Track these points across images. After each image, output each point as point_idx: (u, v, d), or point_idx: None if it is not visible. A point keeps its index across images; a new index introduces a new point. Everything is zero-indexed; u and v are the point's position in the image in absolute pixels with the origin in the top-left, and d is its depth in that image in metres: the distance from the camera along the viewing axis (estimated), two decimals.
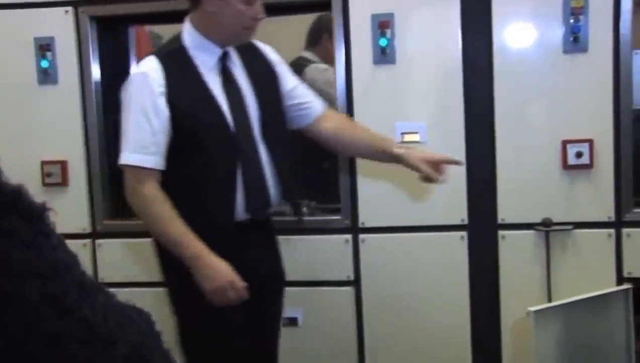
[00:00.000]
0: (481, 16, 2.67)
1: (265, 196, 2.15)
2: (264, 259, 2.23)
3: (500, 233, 2.73)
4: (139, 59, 3.26)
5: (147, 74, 2.03)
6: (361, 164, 2.77)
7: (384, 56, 2.71)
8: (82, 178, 2.97)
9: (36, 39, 2.91)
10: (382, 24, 2.70)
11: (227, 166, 2.07)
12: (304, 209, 2.75)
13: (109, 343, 0.77)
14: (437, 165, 2.15)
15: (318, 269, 2.83)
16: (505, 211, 2.71)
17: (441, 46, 2.71)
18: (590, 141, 2.62)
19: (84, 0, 2.90)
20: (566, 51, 2.62)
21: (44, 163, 2.95)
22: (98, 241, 2.99)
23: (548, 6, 2.63)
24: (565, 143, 2.63)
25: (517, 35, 2.66)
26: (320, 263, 2.82)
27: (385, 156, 2.22)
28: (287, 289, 2.42)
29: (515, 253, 2.72)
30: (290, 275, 2.45)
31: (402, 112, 2.74)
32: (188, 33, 2.12)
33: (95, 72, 2.96)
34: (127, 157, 2.04)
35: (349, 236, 2.80)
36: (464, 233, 2.75)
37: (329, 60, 2.97)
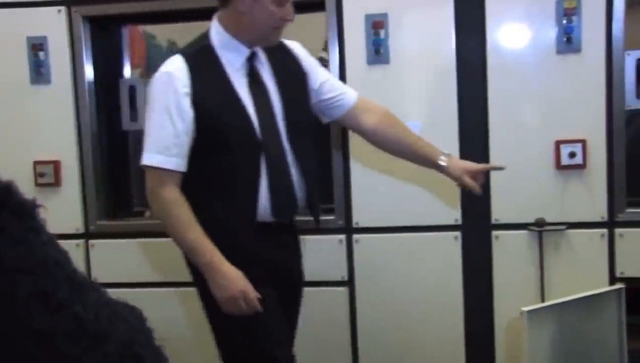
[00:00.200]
0: (475, 16, 2.67)
1: (292, 201, 2.11)
2: (287, 259, 2.19)
3: (494, 233, 2.73)
4: (133, 59, 3.27)
5: (172, 74, 1.98)
6: (355, 164, 2.78)
7: (377, 56, 2.71)
8: (75, 178, 2.96)
9: (29, 38, 2.90)
10: (376, 24, 2.70)
11: (252, 168, 2.03)
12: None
13: (100, 340, 0.77)
14: (477, 174, 2.19)
15: (312, 269, 2.81)
16: (499, 211, 2.72)
17: (435, 46, 2.71)
18: (583, 142, 2.62)
19: (76, 0, 2.90)
20: (559, 52, 2.63)
21: (36, 163, 2.94)
22: (91, 242, 2.98)
23: (541, 7, 2.63)
24: (558, 143, 2.64)
25: (510, 35, 2.66)
26: (314, 264, 2.81)
27: (427, 162, 2.23)
28: None
29: (509, 253, 2.73)
30: None
31: (396, 112, 2.71)
32: (216, 32, 2.07)
33: (88, 72, 2.95)
34: (149, 158, 2.00)
35: (342, 236, 2.80)
36: (458, 233, 2.75)
37: None
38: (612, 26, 2.58)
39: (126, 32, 3.22)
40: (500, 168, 2.31)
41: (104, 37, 3.08)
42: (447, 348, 2.79)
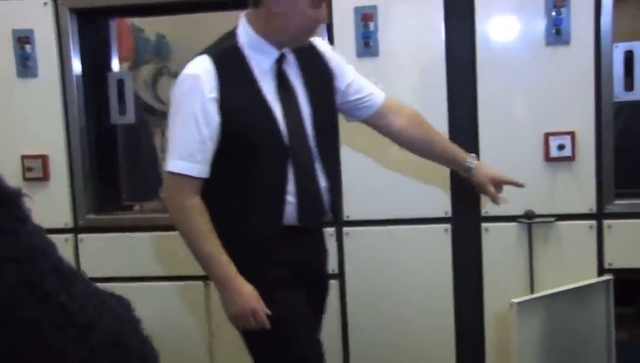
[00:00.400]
0: (464, 8, 2.67)
1: (320, 207, 2.07)
2: (312, 258, 2.14)
3: (484, 225, 2.74)
4: (121, 52, 3.25)
5: (199, 77, 1.91)
6: (345, 157, 2.77)
7: (367, 48, 2.71)
8: (64, 173, 2.94)
9: (14, 31, 2.87)
10: (365, 17, 2.70)
11: (278, 174, 1.97)
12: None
13: (86, 330, 0.76)
14: (499, 183, 2.20)
15: None
16: (489, 204, 2.72)
17: (424, 38, 2.71)
18: (572, 134, 2.63)
19: None
20: (548, 43, 2.63)
21: (24, 157, 2.92)
22: (80, 236, 2.97)
23: None
24: (547, 136, 2.64)
25: (500, 27, 2.67)
26: None
27: (454, 164, 2.24)
28: None
29: (499, 245, 2.74)
30: None
31: None
32: (244, 31, 1.98)
33: (76, 65, 2.93)
34: (173, 164, 1.93)
35: (333, 229, 2.80)
36: (448, 226, 2.76)
37: None
38: (601, 18, 2.59)
39: (114, 25, 3.20)
40: (521, 186, 2.27)
41: (92, 30, 3.05)
42: (438, 339, 2.80)
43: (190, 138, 1.91)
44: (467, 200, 2.73)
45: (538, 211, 2.68)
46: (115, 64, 3.19)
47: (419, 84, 2.74)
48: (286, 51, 2.02)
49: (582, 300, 2.62)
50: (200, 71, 1.92)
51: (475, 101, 2.69)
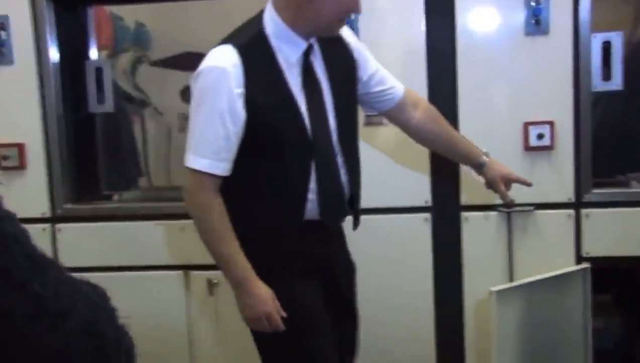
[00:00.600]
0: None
1: (342, 204, 2.04)
2: (329, 251, 2.10)
3: (463, 214, 2.75)
4: (100, 40, 3.21)
5: (226, 70, 1.81)
6: None
7: None
8: (41, 161, 2.90)
9: None
10: None
11: (301, 170, 1.93)
12: None
13: (61, 318, 0.75)
14: (509, 181, 2.21)
15: None
16: (468, 193, 2.74)
17: (405, 29, 2.71)
18: (551, 123, 2.65)
19: None
20: (528, 33, 2.64)
21: (0, 146, 2.88)
22: (58, 226, 2.93)
23: None
24: (527, 125, 2.66)
25: (480, 17, 2.67)
26: None
27: (467, 160, 2.24)
28: None
29: (478, 234, 2.75)
30: None
31: None
32: (271, 19, 1.89)
33: (53, 53, 2.89)
34: (196, 161, 1.86)
35: None
36: (428, 215, 2.77)
37: None
38: (579, 9, 2.60)
39: (92, 12, 3.16)
40: (529, 185, 2.29)
41: (70, 18, 3.01)
42: (417, 328, 2.81)
43: (215, 135, 1.84)
44: (447, 189, 2.75)
45: (517, 200, 2.69)
46: (94, 53, 3.16)
47: (400, 76, 2.69)
48: (313, 41, 1.95)
49: (561, 288, 2.64)
50: (227, 64, 1.82)
51: (455, 91, 2.69)
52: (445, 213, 2.77)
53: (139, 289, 2.89)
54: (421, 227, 2.77)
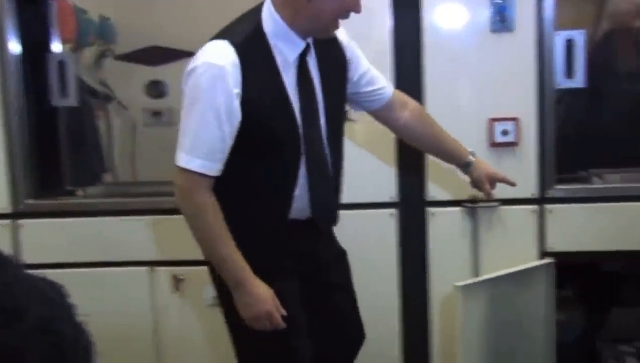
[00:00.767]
0: None
1: (332, 201, 2.05)
2: (317, 247, 2.10)
3: (429, 210, 2.77)
4: (63, 33, 3.15)
5: (223, 69, 1.77)
6: None
7: None
8: (2, 156, 2.84)
9: None
10: None
11: (290, 170, 1.93)
12: None
13: (17, 316, 0.73)
14: (494, 181, 2.23)
15: None
16: (434, 189, 2.75)
17: (370, 24, 2.70)
18: (516, 120, 2.68)
19: None
20: (493, 30, 2.66)
21: None
22: (20, 222, 2.88)
23: None
24: (492, 121, 2.68)
25: (446, 13, 2.68)
26: None
27: (453, 160, 2.26)
28: None
29: (444, 229, 2.77)
30: None
31: None
32: (270, 17, 1.86)
33: (14, 45, 2.83)
34: (189, 161, 1.82)
35: None
36: (394, 211, 2.78)
37: None
38: (543, 6, 2.64)
39: (54, 5, 3.10)
40: (513, 184, 2.31)
41: (31, 10, 2.95)
42: (382, 323, 2.82)
43: (211, 135, 1.81)
44: (413, 185, 2.76)
45: (482, 196, 2.72)
46: (57, 46, 3.10)
47: None
48: (310, 41, 1.93)
49: (525, 283, 2.68)
50: (225, 62, 1.78)
51: (421, 87, 2.70)
52: (411, 208, 2.78)
53: (104, 286, 2.86)
54: (387, 223, 2.78)
